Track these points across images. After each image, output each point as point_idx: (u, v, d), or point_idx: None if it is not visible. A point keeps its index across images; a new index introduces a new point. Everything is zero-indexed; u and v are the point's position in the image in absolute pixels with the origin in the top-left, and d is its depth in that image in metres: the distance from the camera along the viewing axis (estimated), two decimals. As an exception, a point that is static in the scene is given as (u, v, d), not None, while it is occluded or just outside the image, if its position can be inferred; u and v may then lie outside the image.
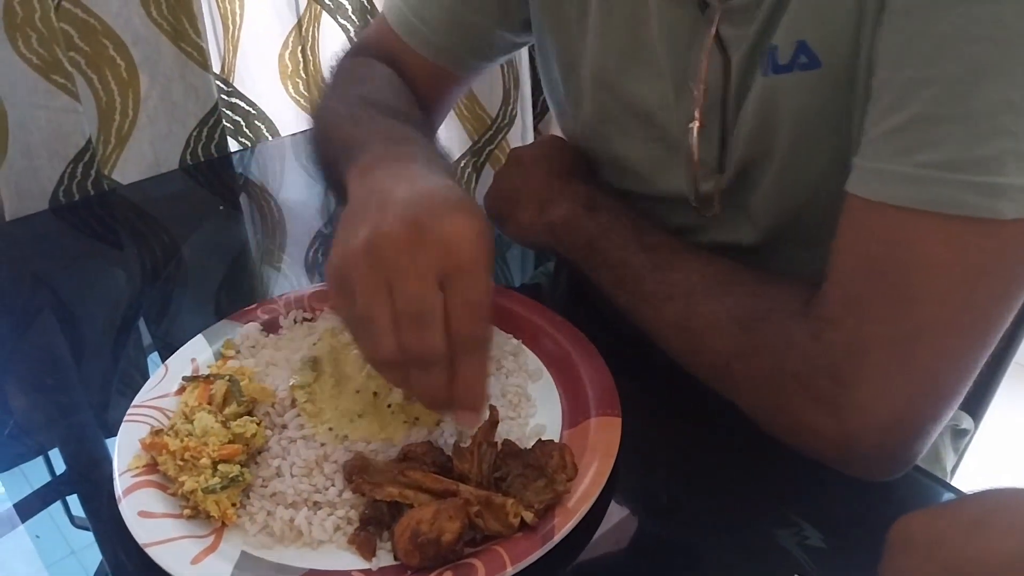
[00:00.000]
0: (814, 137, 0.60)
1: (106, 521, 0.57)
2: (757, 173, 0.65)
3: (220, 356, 0.70)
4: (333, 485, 0.57)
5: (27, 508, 0.63)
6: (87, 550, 0.59)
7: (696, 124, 0.65)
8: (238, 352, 0.70)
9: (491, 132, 1.31)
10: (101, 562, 0.58)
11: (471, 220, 0.51)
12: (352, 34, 1.31)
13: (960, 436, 0.91)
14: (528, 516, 0.54)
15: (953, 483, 0.82)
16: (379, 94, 0.75)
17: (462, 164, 1.35)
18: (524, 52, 1.25)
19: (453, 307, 0.50)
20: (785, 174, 0.63)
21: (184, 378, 0.67)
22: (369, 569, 0.54)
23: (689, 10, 0.63)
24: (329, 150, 0.72)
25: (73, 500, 0.64)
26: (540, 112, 1.36)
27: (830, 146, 0.59)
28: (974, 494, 0.43)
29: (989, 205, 0.48)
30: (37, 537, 0.61)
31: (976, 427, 0.93)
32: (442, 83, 0.84)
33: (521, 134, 1.32)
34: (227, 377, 0.64)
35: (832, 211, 0.59)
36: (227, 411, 0.62)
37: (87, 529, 0.61)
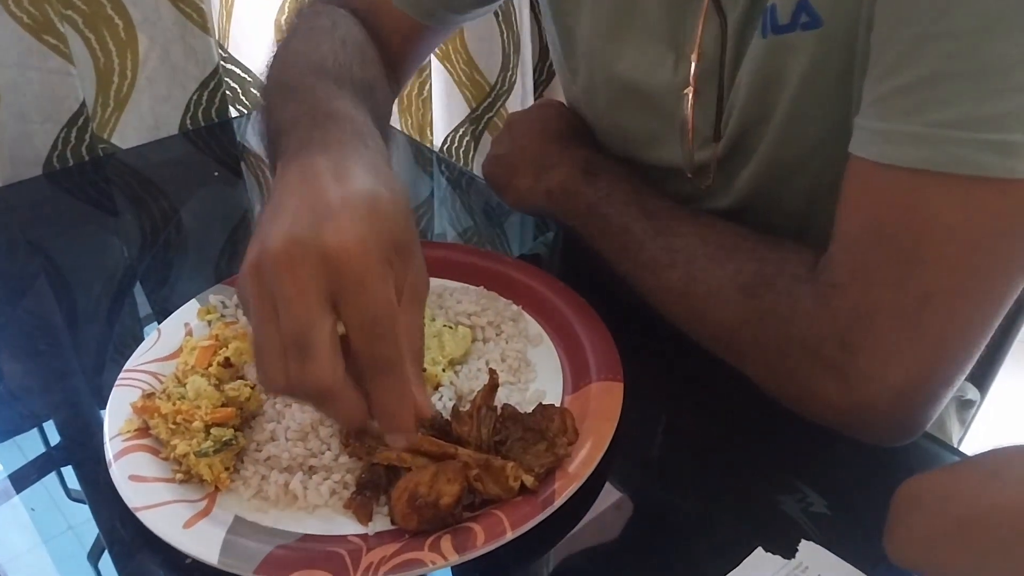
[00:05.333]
0: (814, 100, 0.58)
1: (100, 489, 0.56)
2: (752, 140, 0.63)
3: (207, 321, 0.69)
4: (329, 449, 0.56)
5: (22, 479, 0.62)
6: (83, 525, 0.58)
7: (691, 91, 0.63)
8: (221, 316, 0.69)
9: (490, 99, 1.28)
10: (97, 534, 0.57)
11: (356, 226, 0.46)
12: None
13: (966, 407, 0.90)
14: (529, 480, 0.53)
15: (959, 449, 0.81)
16: (329, 53, 0.66)
17: (460, 132, 1.32)
18: (526, 17, 1.22)
19: (349, 328, 0.46)
20: (781, 141, 0.61)
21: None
22: (366, 534, 0.53)
23: None
24: (268, 130, 0.62)
25: (68, 471, 0.63)
26: (545, 79, 1.33)
27: (829, 109, 0.57)
28: (980, 453, 0.42)
29: (1004, 164, 0.47)
30: (33, 510, 0.60)
31: (982, 398, 0.92)
32: (412, 33, 0.78)
33: (521, 100, 1.30)
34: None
35: (822, 179, 0.58)
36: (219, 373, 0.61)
37: (82, 502, 0.60)
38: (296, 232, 0.45)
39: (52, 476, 0.62)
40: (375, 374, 0.47)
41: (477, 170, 0.78)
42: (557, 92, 1.32)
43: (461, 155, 1.35)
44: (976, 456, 0.42)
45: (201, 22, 1.08)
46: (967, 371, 0.53)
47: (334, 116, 0.56)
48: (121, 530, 0.55)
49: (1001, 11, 0.45)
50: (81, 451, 0.63)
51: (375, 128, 0.57)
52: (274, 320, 0.45)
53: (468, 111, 1.30)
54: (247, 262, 0.46)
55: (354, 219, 0.46)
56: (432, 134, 1.37)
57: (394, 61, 0.77)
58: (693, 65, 0.62)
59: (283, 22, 1.25)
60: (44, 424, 0.67)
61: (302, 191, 0.48)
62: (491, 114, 1.30)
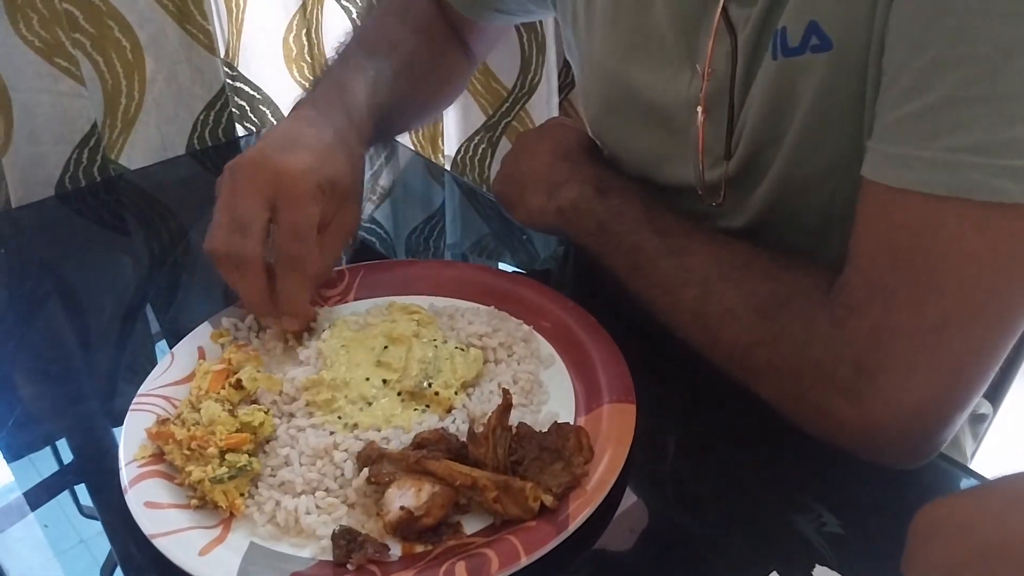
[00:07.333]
0: (826, 121, 0.58)
1: (114, 511, 0.57)
2: (765, 159, 0.63)
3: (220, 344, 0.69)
4: (343, 474, 0.56)
5: (35, 498, 0.62)
6: (95, 539, 0.58)
7: (701, 110, 0.63)
8: (234, 339, 0.69)
9: (508, 104, 1.28)
10: (110, 552, 0.57)
11: (301, 158, 0.64)
12: (355, 16, 1.29)
13: (979, 422, 0.90)
14: (548, 500, 0.53)
15: (973, 468, 0.81)
16: (389, 29, 0.85)
17: (475, 141, 1.33)
18: (549, 19, 1.22)
19: (279, 229, 0.63)
20: (793, 160, 0.61)
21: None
22: (381, 560, 0.53)
23: None
24: None
25: (81, 490, 0.63)
26: (570, 83, 1.33)
27: (842, 130, 0.57)
28: (1001, 478, 0.41)
29: (1020, 190, 0.47)
30: (46, 527, 0.60)
31: (995, 412, 0.91)
32: (466, 24, 0.88)
33: (547, 100, 1.29)
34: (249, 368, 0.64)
35: (836, 198, 0.57)
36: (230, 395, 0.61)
37: (95, 519, 0.60)
38: (262, 153, 0.65)
39: (65, 495, 0.62)
40: (288, 268, 0.64)
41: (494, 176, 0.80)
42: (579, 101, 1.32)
43: (476, 163, 1.35)
44: (997, 481, 0.41)
45: (207, 43, 1.09)
46: (981, 393, 0.52)
47: (340, 84, 0.75)
48: (136, 554, 0.55)
49: (1019, 36, 0.45)
50: (95, 472, 0.64)
51: (370, 106, 0.74)
52: (230, 205, 0.64)
53: (484, 119, 1.30)
54: (229, 163, 0.66)
55: (305, 154, 0.65)
56: (444, 145, 1.38)
57: (461, 40, 0.90)
58: (703, 83, 0.62)
59: (291, 40, 1.26)
60: (57, 444, 0.67)
61: (284, 128, 0.70)
62: (509, 119, 1.30)
